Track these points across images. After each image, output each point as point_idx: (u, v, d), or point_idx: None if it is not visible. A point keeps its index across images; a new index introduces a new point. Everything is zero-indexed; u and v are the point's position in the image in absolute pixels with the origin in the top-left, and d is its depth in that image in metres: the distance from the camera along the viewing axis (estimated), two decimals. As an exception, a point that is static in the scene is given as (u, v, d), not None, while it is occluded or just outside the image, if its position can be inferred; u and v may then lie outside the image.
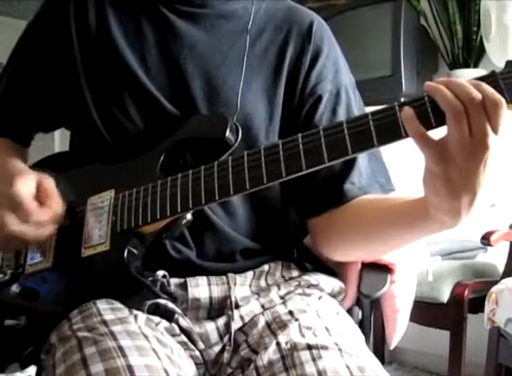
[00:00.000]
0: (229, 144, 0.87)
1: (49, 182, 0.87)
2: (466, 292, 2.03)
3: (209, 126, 0.89)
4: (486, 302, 1.89)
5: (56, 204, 0.86)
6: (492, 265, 2.28)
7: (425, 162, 0.68)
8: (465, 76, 2.72)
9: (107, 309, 0.82)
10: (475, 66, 2.73)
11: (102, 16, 0.94)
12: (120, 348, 0.72)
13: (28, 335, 0.87)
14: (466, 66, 2.72)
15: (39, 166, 1.02)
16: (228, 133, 0.86)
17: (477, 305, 2.01)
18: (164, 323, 0.83)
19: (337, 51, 1.00)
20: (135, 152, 0.89)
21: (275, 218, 0.97)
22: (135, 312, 0.82)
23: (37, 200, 0.84)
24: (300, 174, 0.75)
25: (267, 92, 0.93)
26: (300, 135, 0.75)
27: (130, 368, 0.69)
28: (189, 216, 0.84)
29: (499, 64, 2.59)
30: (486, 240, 2.02)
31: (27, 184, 0.84)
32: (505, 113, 0.64)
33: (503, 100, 0.64)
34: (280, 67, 0.94)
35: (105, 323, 0.78)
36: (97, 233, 0.86)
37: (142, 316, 0.82)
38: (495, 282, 1.94)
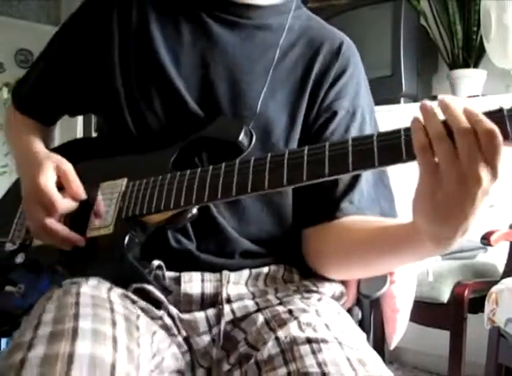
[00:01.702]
0: (242, 148, 0.88)
1: (67, 165, 0.92)
2: (466, 292, 2.02)
3: (224, 129, 0.91)
4: (486, 302, 1.88)
5: (77, 188, 0.90)
6: (492, 265, 2.27)
7: (418, 179, 0.67)
8: (465, 76, 2.72)
9: (95, 284, 0.84)
10: (475, 66, 2.73)
11: (144, 15, 0.97)
12: (76, 315, 0.73)
13: (23, 303, 0.90)
14: (466, 66, 2.72)
15: (63, 149, 1.06)
16: (241, 137, 0.88)
17: (477, 305, 2.01)
18: (142, 303, 0.84)
19: (361, 74, 1.02)
20: (154, 146, 0.92)
21: (283, 224, 0.97)
22: (116, 287, 0.84)
23: (59, 185, 0.89)
24: (300, 184, 0.76)
25: (291, 103, 0.95)
26: (307, 147, 0.76)
27: (75, 331, 0.70)
28: (194, 210, 0.86)
29: (499, 64, 2.59)
30: (486, 240, 2.02)
31: (47, 174, 0.89)
32: (500, 142, 0.60)
33: (497, 129, 0.60)
34: (306, 81, 0.96)
35: (78, 293, 0.79)
36: (104, 216, 0.90)
37: (118, 290, 0.83)
38: (495, 282, 1.94)
